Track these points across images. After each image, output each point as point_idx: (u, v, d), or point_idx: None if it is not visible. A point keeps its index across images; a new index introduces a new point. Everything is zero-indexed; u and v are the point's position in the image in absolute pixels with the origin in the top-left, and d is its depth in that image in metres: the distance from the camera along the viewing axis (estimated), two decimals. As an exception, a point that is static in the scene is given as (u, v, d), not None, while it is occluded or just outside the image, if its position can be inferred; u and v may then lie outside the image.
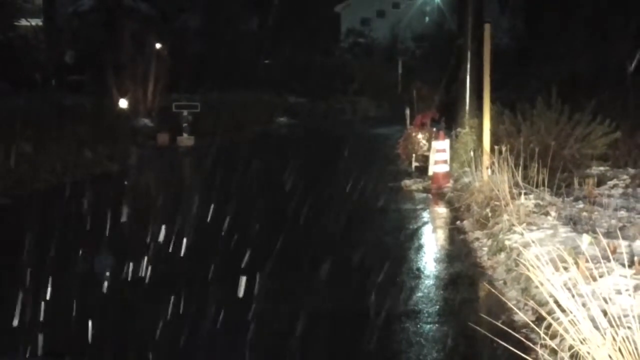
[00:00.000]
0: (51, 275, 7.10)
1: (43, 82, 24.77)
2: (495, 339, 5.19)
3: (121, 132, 22.06)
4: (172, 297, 6.74)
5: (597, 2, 22.02)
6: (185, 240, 8.54)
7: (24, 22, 26.55)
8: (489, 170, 11.80)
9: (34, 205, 13.48)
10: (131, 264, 7.92)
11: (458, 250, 9.67)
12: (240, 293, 6.74)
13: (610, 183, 12.54)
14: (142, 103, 27.94)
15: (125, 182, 17.41)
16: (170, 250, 8.49)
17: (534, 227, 8.89)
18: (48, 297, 6.75)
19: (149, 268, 7.80)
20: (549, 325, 5.05)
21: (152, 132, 26.32)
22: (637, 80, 17.98)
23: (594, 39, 21.57)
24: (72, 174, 16.43)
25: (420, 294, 7.53)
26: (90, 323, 6.18)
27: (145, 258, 7.97)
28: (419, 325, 6.53)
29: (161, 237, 8.64)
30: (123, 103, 26.75)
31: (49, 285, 6.90)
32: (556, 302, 4.79)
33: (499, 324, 5.57)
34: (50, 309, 6.46)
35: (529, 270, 5.21)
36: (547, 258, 5.11)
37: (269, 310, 6.97)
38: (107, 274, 8.12)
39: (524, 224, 9.00)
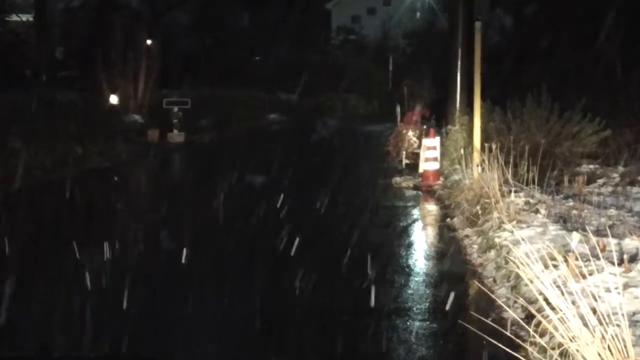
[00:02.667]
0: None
1: (33, 78, 24.70)
2: (485, 336, 5.19)
3: (111, 128, 21.99)
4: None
5: (587, 1, 22.07)
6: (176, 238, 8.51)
7: (14, 18, 26.47)
8: (479, 168, 11.80)
9: (21, 202, 13.45)
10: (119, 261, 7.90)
11: (448, 248, 9.67)
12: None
13: (600, 181, 12.57)
14: (133, 99, 27.86)
15: (116, 178, 17.36)
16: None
17: (524, 225, 8.90)
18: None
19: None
20: (539, 323, 5.06)
21: (143, 128, 26.26)
22: (627, 79, 18.01)
23: (584, 37, 21.61)
24: (61, 170, 16.39)
25: (409, 291, 7.54)
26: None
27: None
28: (408, 323, 6.53)
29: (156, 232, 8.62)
30: (113, 99, 26.68)
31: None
32: (546, 299, 4.80)
33: (488, 322, 5.57)
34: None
35: (518, 268, 5.22)
36: (536, 256, 5.12)
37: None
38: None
39: (514, 222, 9.01)
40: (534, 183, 10.94)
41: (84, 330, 6.22)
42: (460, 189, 12.23)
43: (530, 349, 5.13)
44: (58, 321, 6.41)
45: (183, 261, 7.96)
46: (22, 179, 15.15)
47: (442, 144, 15.75)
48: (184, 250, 8.05)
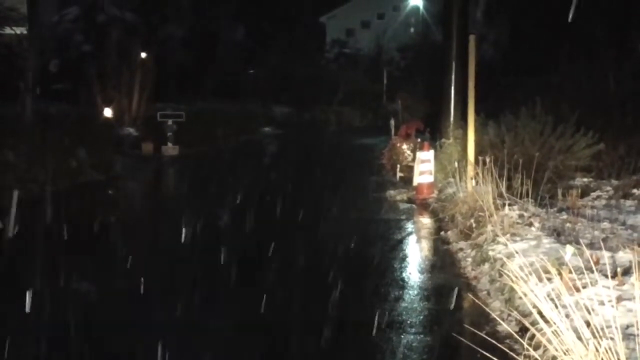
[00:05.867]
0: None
1: (27, 91, 24.66)
2: (479, 349, 5.19)
3: (105, 141, 21.97)
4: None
5: (581, 15, 22.14)
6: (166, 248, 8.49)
7: (8, 31, 26.45)
8: (473, 181, 11.82)
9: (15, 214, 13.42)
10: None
11: (442, 261, 9.68)
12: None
13: (594, 194, 12.58)
14: (127, 112, 27.89)
15: (110, 192, 17.35)
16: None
17: (518, 238, 8.91)
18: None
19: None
20: (533, 336, 5.06)
21: (137, 141, 26.28)
22: (620, 92, 18.06)
23: (577, 51, 21.67)
24: (55, 183, 16.36)
25: (404, 304, 7.53)
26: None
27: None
28: (402, 336, 6.53)
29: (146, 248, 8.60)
30: (108, 112, 26.70)
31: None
32: (540, 312, 4.80)
33: (482, 335, 5.57)
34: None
35: (512, 281, 5.22)
36: (530, 269, 5.13)
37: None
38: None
39: (508, 235, 9.01)
40: (527, 196, 10.95)
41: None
42: (454, 202, 12.23)
43: (524, 362, 5.13)
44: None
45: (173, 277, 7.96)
46: (15, 193, 15.12)
47: (436, 157, 15.75)
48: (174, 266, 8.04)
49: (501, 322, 6.13)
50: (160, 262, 9.48)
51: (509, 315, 6.52)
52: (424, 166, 15.17)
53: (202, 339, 6.50)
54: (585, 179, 14.01)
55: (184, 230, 10.58)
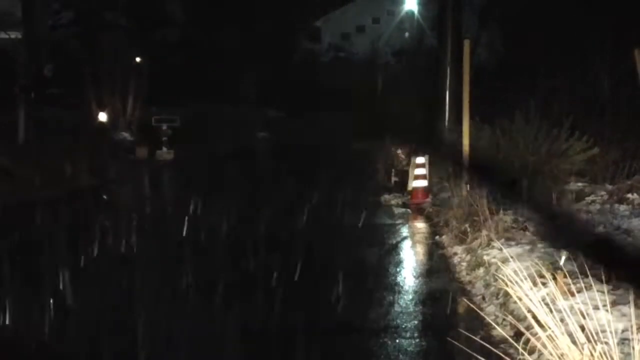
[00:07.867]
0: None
1: (22, 95, 24.62)
2: (474, 354, 5.19)
3: (100, 146, 21.97)
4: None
5: (574, 18, 22.18)
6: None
7: (3, 35, 26.44)
8: (468, 186, 11.83)
9: (11, 220, 13.41)
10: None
11: (437, 265, 9.68)
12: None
13: (588, 199, 12.58)
14: (122, 116, 27.85)
15: (105, 197, 17.33)
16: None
17: (513, 243, 8.92)
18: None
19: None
20: (527, 341, 5.07)
21: (132, 145, 26.26)
22: (615, 96, 18.07)
23: (571, 55, 21.70)
24: (50, 188, 16.35)
25: (398, 309, 7.53)
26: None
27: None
28: (397, 340, 6.52)
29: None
30: (102, 116, 26.67)
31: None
32: (534, 317, 4.80)
33: (477, 339, 5.57)
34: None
35: (507, 286, 5.22)
36: (525, 273, 5.13)
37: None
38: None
39: (503, 239, 9.02)
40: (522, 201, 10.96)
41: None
42: (449, 206, 12.24)
43: (519, 366, 5.12)
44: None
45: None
46: (11, 197, 15.11)
47: (431, 162, 15.75)
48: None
49: (496, 326, 6.13)
50: (156, 262, 9.48)
51: (504, 319, 6.52)
52: (419, 171, 15.18)
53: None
54: (579, 184, 14.00)
55: (177, 232, 10.58)
